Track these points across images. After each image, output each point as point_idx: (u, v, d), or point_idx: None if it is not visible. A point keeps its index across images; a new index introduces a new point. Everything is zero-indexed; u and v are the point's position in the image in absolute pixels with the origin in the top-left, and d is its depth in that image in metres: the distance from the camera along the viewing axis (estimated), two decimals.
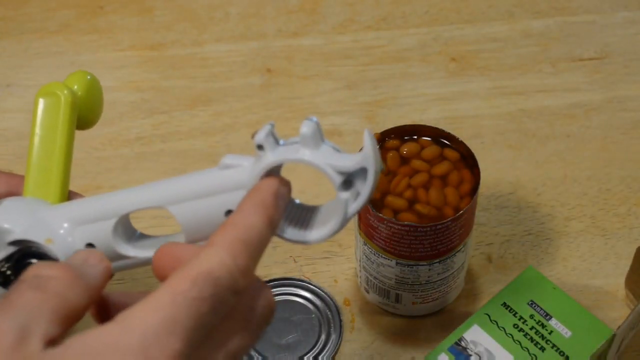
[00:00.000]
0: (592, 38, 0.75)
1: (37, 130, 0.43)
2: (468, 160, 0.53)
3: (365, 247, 0.54)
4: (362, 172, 0.37)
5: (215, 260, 0.33)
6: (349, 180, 0.37)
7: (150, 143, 0.69)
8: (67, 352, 0.30)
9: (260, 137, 0.37)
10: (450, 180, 0.52)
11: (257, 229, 0.35)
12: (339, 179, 0.37)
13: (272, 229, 0.36)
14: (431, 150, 0.53)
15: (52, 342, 0.31)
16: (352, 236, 0.62)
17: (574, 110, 0.70)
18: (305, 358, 0.57)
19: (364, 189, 0.37)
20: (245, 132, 0.69)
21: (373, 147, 0.36)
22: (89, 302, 0.33)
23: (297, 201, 0.39)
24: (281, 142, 0.37)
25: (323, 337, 0.57)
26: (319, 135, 0.37)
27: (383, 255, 0.53)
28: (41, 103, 0.43)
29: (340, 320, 0.58)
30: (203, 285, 0.32)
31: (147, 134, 0.70)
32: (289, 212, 0.39)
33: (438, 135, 0.53)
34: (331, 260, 0.62)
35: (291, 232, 0.38)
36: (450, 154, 0.53)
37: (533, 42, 0.75)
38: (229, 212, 0.38)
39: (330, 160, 0.37)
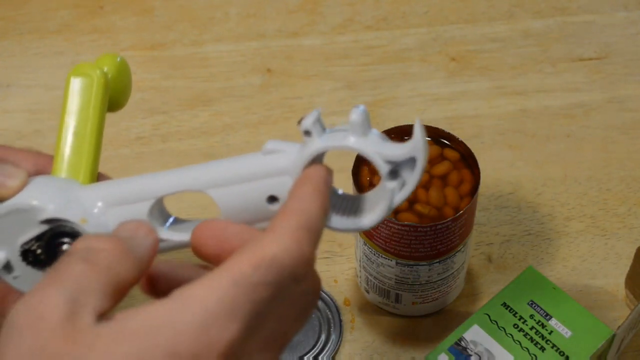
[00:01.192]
0: (592, 38, 0.75)
1: (70, 109, 0.42)
2: (468, 160, 0.53)
3: (365, 247, 0.54)
4: (410, 161, 0.36)
5: (280, 246, 0.32)
6: (395, 170, 0.36)
7: (150, 143, 0.69)
8: (122, 326, 0.30)
9: (308, 123, 0.36)
10: (450, 180, 0.52)
11: (317, 217, 0.34)
12: (386, 168, 0.36)
13: (326, 216, 0.35)
14: (431, 150, 0.53)
15: (103, 315, 0.30)
16: (352, 236, 0.62)
17: (574, 110, 0.70)
18: (305, 358, 0.57)
19: (412, 178, 0.36)
20: (245, 132, 0.69)
21: (422, 137, 0.35)
22: (138, 276, 0.33)
23: (340, 191, 0.39)
24: (327, 130, 0.37)
25: (323, 337, 0.57)
26: (367, 123, 0.36)
27: (383, 255, 0.53)
28: (74, 83, 0.42)
29: (340, 320, 0.58)
30: (266, 271, 0.31)
31: (147, 134, 0.70)
32: (333, 202, 0.38)
33: (438, 135, 0.53)
34: (331, 260, 0.62)
35: (338, 220, 0.37)
36: (450, 154, 0.53)
37: (533, 42, 0.75)
38: (271, 199, 0.37)
39: (379, 149, 0.36)
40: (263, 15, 0.78)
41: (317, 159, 0.37)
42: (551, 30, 0.76)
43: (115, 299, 0.31)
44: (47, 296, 0.30)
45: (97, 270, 0.31)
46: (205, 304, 0.30)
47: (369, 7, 0.78)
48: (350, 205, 0.38)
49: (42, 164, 0.41)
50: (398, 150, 0.36)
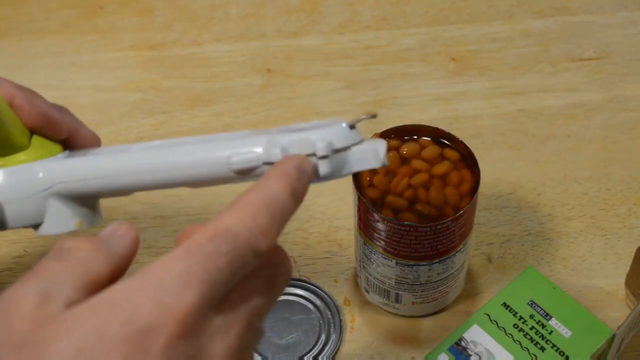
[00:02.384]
0: (592, 38, 0.75)
1: None
2: (468, 160, 0.53)
3: (365, 247, 0.54)
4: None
5: (234, 218, 0.33)
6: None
7: None
8: (84, 307, 0.31)
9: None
10: (450, 180, 0.52)
11: (280, 196, 0.34)
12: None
13: (295, 200, 0.35)
14: (431, 150, 0.53)
15: (74, 305, 0.31)
16: (352, 236, 0.62)
17: (574, 110, 0.70)
18: (305, 358, 0.57)
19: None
20: None
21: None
22: (115, 270, 0.34)
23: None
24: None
25: (323, 337, 0.57)
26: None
27: (383, 255, 0.53)
28: None
29: (340, 320, 0.58)
30: (220, 241, 0.32)
31: (147, 134, 0.70)
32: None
33: (438, 135, 0.53)
34: (331, 260, 0.62)
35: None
36: (450, 154, 0.53)
37: (533, 42, 0.75)
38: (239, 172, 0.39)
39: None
40: (263, 15, 0.78)
41: None
42: (551, 30, 0.76)
43: (90, 291, 0.32)
44: (21, 291, 0.31)
45: (69, 266, 0.32)
46: (160, 275, 0.31)
47: (369, 7, 0.78)
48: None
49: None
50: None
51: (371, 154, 0.39)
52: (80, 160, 0.42)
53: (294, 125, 0.42)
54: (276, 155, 0.38)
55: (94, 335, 0.30)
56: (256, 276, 0.35)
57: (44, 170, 0.42)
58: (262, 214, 0.33)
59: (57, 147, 0.44)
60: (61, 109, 0.45)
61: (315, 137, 0.38)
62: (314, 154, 0.38)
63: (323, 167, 0.38)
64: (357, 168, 0.39)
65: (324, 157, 0.38)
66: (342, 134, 0.39)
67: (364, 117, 0.40)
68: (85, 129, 0.46)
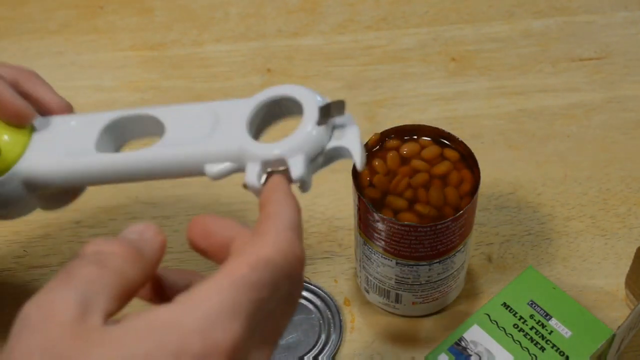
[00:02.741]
0: (592, 38, 0.75)
1: None
2: (468, 160, 0.53)
3: (365, 247, 0.54)
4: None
5: (273, 247, 0.34)
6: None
7: (150, 143, 0.69)
8: (131, 327, 0.30)
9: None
10: (450, 180, 0.52)
11: (296, 217, 0.36)
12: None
13: (300, 216, 0.37)
14: (431, 150, 0.53)
15: (111, 317, 0.31)
16: (352, 236, 0.62)
17: (574, 110, 0.70)
18: (305, 358, 0.57)
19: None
20: None
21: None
22: (146, 278, 0.34)
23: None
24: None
25: (323, 337, 0.57)
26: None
27: (383, 255, 0.53)
28: None
29: (340, 320, 0.58)
30: (263, 271, 0.33)
31: None
32: None
33: (438, 135, 0.53)
34: (331, 260, 0.62)
35: None
36: (450, 154, 0.53)
37: (533, 42, 0.75)
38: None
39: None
40: (263, 15, 0.78)
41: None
42: (551, 30, 0.76)
43: (123, 301, 0.32)
44: (59, 296, 0.31)
45: (107, 273, 0.32)
46: (209, 306, 0.31)
47: (369, 7, 0.78)
48: None
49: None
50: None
51: (346, 152, 0.41)
52: (55, 162, 0.44)
53: (260, 94, 0.43)
54: (255, 171, 0.40)
55: None
56: (282, 297, 0.35)
57: (25, 178, 0.43)
58: (294, 240, 0.35)
59: (25, 134, 0.44)
60: (23, 83, 0.45)
61: (291, 159, 0.39)
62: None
63: (303, 183, 0.40)
64: (334, 161, 0.41)
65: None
66: (313, 139, 0.40)
67: (329, 101, 0.41)
68: (53, 96, 0.46)
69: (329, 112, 0.40)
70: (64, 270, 0.32)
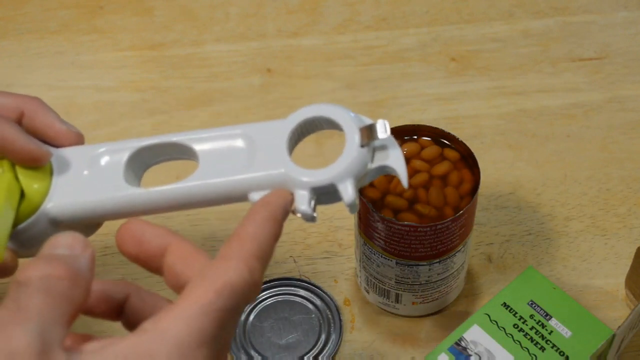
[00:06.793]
0: (592, 38, 0.75)
1: None
2: (468, 160, 0.53)
3: (365, 247, 0.54)
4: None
5: (236, 274, 0.34)
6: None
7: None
8: (100, 359, 0.31)
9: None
10: (450, 180, 0.52)
11: (268, 244, 0.37)
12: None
13: (276, 242, 0.38)
14: (431, 150, 0.53)
15: (65, 346, 0.31)
16: (352, 236, 0.62)
17: (574, 110, 0.70)
18: (305, 358, 0.57)
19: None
20: None
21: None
22: (87, 297, 0.33)
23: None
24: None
25: (323, 337, 0.57)
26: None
27: (383, 255, 0.53)
28: None
29: (340, 320, 0.58)
30: (227, 298, 0.34)
31: (147, 134, 0.70)
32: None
33: (438, 135, 0.53)
34: (331, 260, 0.62)
35: None
36: (450, 154, 0.53)
37: (533, 42, 0.75)
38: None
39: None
40: (263, 15, 0.78)
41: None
42: (551, 30, 0.76)
43: (70, 324, 0.32)
44: (16, 334, 0.30)
45: (58, 301, 0.32)
46: (179, 334, 0.32)
47: (369, 7, 0.78)
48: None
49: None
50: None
51: (389, 170, 0.41)
52: (84, 200, 0.42)
53: (295, 115, 0.43)
54: (306, 198, 0.40)
55: None
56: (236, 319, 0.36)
57: (52, 218, 0.42)
58: (257, 268, 0.35)
59: (46, 172, 0.43)
60: (29, 115, 0.43)
61: (340, 184, 0.39)
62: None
63: (354, 207, 0.40)
64: (375, 179, 0.42)
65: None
66: (360, 162, 0.40)
67: (371, 121, 0.41)
68: (61, 126, 0.44)
69: (372, 134, 0.40)
70: (12, 301, 0.31)
